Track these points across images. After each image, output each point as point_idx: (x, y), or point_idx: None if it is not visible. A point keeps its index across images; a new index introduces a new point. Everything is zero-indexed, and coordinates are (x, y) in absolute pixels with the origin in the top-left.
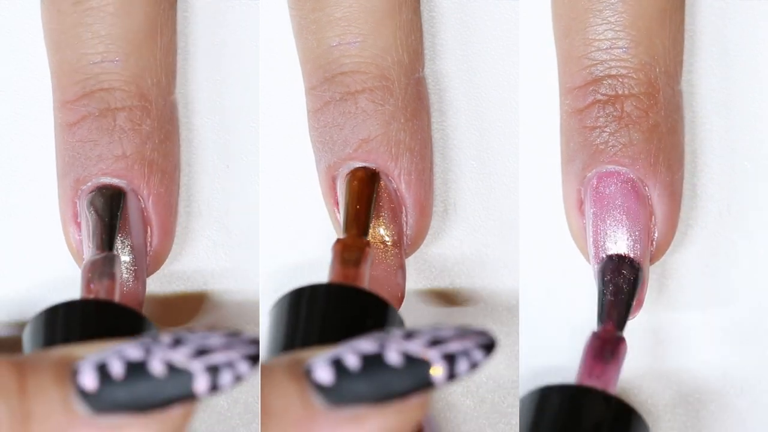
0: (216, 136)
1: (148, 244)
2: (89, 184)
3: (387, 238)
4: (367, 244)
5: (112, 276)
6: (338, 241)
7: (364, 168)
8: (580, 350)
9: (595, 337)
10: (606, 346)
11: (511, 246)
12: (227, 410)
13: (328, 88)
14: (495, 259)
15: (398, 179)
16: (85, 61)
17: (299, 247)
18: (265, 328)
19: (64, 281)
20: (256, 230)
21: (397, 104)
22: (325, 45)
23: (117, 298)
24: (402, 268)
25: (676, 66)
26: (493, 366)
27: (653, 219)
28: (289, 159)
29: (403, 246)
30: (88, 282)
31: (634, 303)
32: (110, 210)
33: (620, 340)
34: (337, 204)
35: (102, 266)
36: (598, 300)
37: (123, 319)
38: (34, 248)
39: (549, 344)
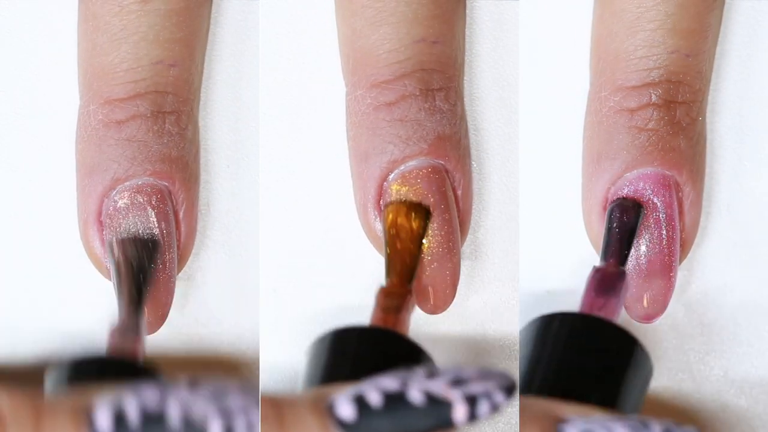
0: (216, 136)
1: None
2: (128, 183)
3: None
4: (409, 292)
5: (137, 334)
6: (381, 289)
7: (416, 207)
8: None
9: (597, 271)
10: (607, 279)
11: (510, 246)
12: None
13: (409, 83)
14: (495, 259)
15: (457, 183)
16: (145, 61)
17: (299, 246)
18: (265, 330)
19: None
20: (256, 230)
21: (462, 106)
22: (407, 40)
23: (141, 353)
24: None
25: (710, 75)
26: (493, 366)
27: (683, 225)
28: (289, 159)
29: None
30: (115, 342)
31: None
32: (141, 261)
33: (622, 275)
34: (380, 208)
35: (129, 326)
36: (603, 238)
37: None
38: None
39: None
